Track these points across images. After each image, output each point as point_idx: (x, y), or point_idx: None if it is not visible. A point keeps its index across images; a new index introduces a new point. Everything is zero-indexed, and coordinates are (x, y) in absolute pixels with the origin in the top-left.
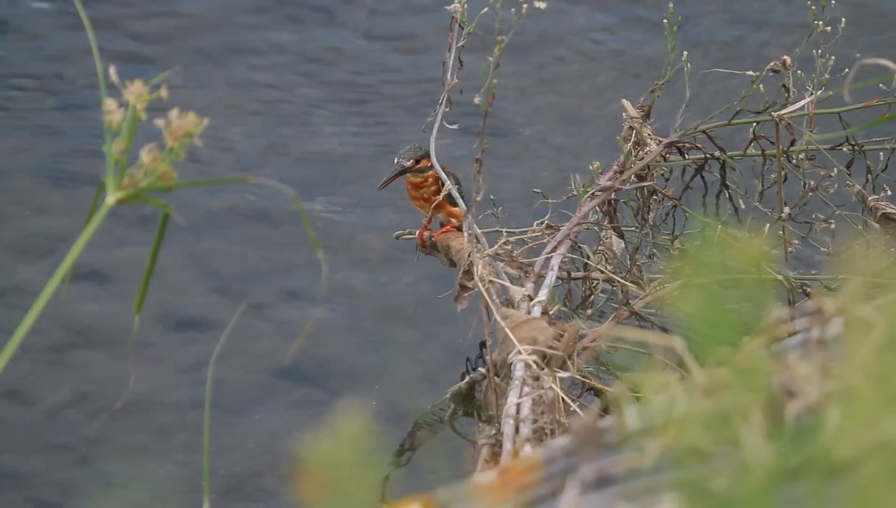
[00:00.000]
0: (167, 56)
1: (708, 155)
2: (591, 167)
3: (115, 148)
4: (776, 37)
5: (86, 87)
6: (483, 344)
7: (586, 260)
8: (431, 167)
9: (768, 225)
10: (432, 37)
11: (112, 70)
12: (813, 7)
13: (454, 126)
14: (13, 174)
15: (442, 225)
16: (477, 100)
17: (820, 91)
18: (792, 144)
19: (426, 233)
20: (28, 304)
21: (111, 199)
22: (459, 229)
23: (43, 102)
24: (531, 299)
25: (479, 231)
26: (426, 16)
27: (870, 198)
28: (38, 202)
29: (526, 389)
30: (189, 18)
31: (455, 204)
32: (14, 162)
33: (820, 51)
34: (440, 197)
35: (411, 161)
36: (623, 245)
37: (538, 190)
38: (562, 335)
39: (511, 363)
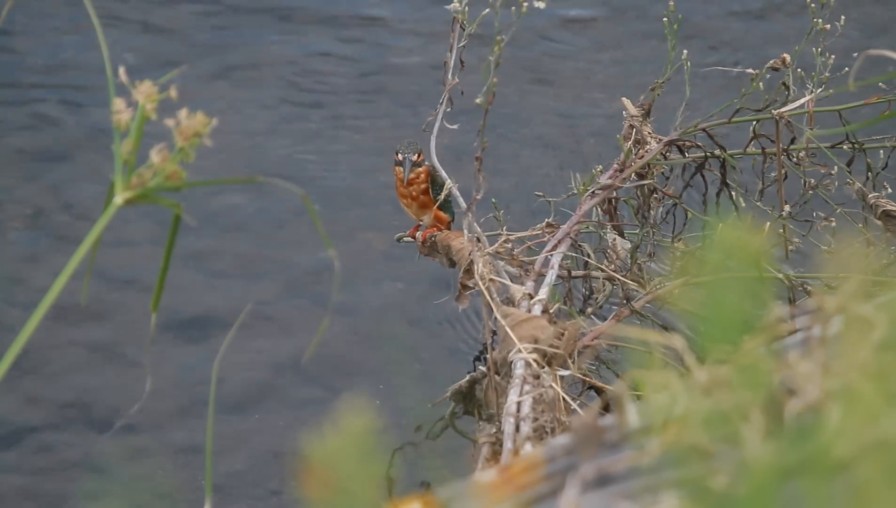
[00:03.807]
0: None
1: (708, 153)
2: (593, 171)
3: (123, 148)
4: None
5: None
6: (484, 343)
7: (587, 258)
8: (424, 162)
9: (769, 223)
10: (434, 34)
11: (122, 70)
12: (813, 6)
13: (454, 126)
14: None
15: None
16: (478, 100)
17: (820, 89)
18: (792, 142)
19: (417, 233)
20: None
21: (119, 199)
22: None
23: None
24: (532, 298)
25: (479, 230)
26: (426, 12)
27: (870, 196)
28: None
29: (526, 387)
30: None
31: (444, 209)
32: (12, 160)
33: (820, 49)
34: (441, 199)
35: (416, 154)
36: (627, 245)
37: (539, 194)
38: (562, 334)
39: (511, 362)
